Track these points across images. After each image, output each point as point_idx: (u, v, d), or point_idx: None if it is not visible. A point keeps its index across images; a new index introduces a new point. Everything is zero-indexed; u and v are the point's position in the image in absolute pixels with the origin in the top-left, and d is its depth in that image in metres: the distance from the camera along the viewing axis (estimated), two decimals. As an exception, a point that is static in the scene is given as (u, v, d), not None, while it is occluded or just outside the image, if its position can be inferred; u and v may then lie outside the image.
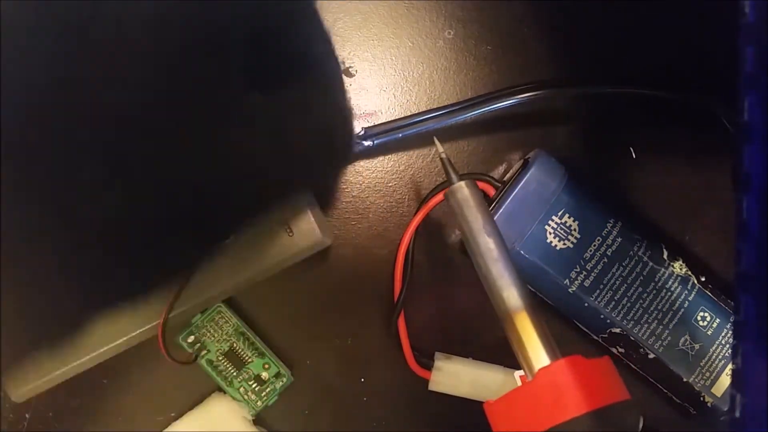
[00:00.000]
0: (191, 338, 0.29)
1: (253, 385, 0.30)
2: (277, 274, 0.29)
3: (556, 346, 0.22)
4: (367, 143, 0.29)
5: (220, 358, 0.30)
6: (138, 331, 0.27)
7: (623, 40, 0.31)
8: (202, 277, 0.27)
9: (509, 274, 0.23)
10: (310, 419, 0.31)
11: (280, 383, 0.30)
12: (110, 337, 0.27)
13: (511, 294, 0.23)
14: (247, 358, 0.30)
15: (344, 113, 0.24)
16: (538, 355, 0.22)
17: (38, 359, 0.27)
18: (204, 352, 0.29)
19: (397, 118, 0.29)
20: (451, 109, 0.29)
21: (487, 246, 0.23)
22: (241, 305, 0.31)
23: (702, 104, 0.28)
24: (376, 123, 0.30)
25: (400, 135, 0.29)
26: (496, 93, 0.29)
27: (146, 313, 0.27)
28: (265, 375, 0.30)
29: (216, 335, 0.30)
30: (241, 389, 0.30)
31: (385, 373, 0.31)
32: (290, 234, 0.27)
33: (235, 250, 0.27)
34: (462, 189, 0.24)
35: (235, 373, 0.30)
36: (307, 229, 0.27)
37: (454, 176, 0.25)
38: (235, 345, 0.30)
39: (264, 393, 0.30)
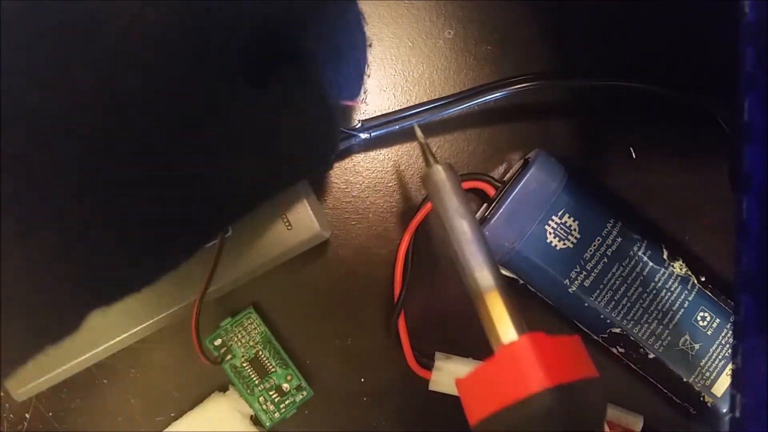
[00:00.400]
0: (218, 341, 0.29)
1: (274, 396, 0.30)
2: (277, 272, 0.29)
3: (525, 325, 0.22)
4: (364, 136, 0.29)
5: (245, 365, 0.30)
6: (138, 328, 0.27)
7: (623, 41, 0.31)
8: (201, 272, 0.27)
9: (482, 255, 0.23)
10: (310, 419, 0.31)
11: (300, 397, 0.30)
12: (111, 334, 0.27)
13: (483, 274, 0.23)
14: (270, 367, 0.30)
15: (331, 107, 0.23)
16: (506, 332, 0.22)
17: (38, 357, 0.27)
18: (229, 356, 0.29)
19: (394, 110, 0.29)
20: (447, 100, 0.29)
21: (462, 228, 0.23)
22: (242, 305, 0.31)
23: (698, 103, 0.28)
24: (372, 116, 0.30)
25: (397, 127, 0.29)
26: (492, 84, 0.29)
27: (144, 309, 0.27)
28: (286, 386, 0.30)
29: (243, 341, 0.30)
30: (261, 398, 0.29)
31: (385, 373, 0.31)
32: (288, 227, 0.27)
33: (233, 244, 0.27)
34: (438, 172, 0.24)
35: (257, 381, 0.30)
36: (305, 222, 0.27)
37: (431, 160, 0.25)
38: (260, 353, 0.30)
39: (283, 405, 0.30)
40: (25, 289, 0.19)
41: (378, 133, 0.29)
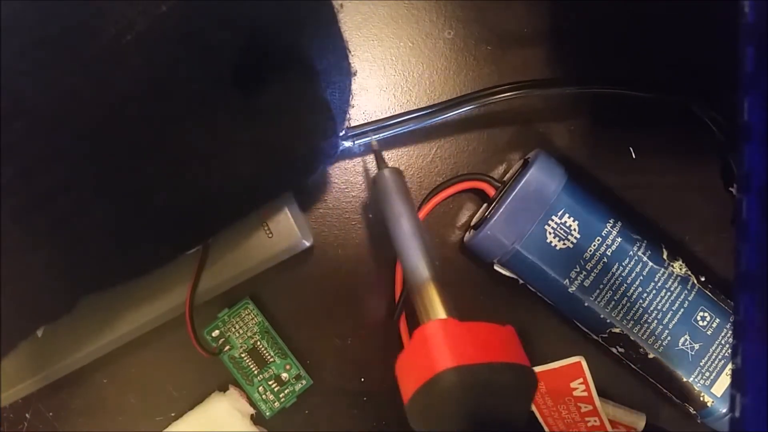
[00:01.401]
0: (216, 332, 0.30)
1: (273, 386, 0.30)
2: (276, 271, 0.29)
3: (456, 313, 0.24)
4: (347, 144, 0.29)
5: (243, 355, 0.30)
6: (120, 333, 0.27)
7: (624, 41, 0.31)
8: (179, 279, 0.27)
9: (420, 251, 0.25)
10: (310, 419, 0.31)
11: (300, 386, 0.30)
12: (90, 340, 0.27)
13: (420, 268, 0.24)
14: (269, 357, 0.30)
15: (322, 115, 0.24)
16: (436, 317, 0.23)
17: (17, 363, 0.27)
18: (227, 348, 0.30)
19: (378, 119, 0.29)
20: (431, 110, 0.28)
21: (402, 227, 0.25)
22: (239, 297, 0.30)
23: (686, 106, 0.28)
24: (357, 124, 0.29)
25: (380, 136, 0.29)
26: (476, 93, 0.29)
27: (121, 317, 0.27)
28: (285, 376, 0.30)
29: (241, 331, 0.30)
30: (261, 388, 0.30)
31: (385, 373, 0.31)
32: (269, 236, 0.27)
33: (214, 251, 0.27)
34: (384, 176, 0.27)
35: (255, 372, 0.30)
36: (286, 231, 0.27)
37: (382, 165, 0.27)
38: (258, 343, 0.30)
39: (282, 394, 0.30)
40: (18, 270, 0.20)
41: (362, 141, 0.29)
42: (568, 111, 0.31)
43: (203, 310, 0.29)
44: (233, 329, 0.30)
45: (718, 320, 0.28)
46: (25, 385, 0.27)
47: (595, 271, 0.27)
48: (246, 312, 0.30)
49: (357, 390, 0.31)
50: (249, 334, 0.30)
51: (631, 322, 0.28)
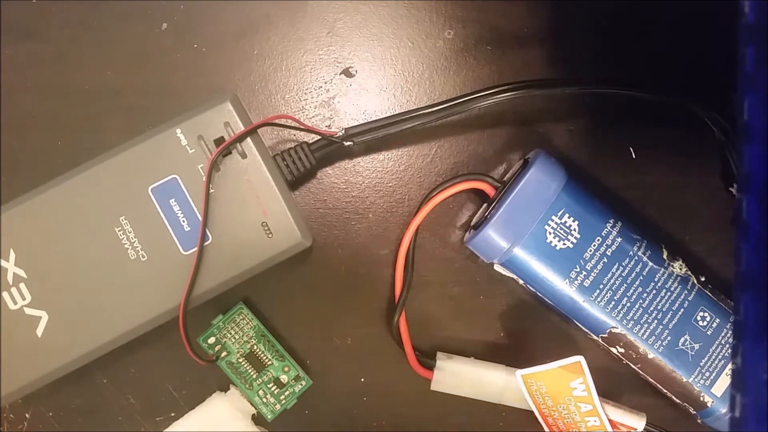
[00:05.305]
0: (212, 339, 0.30)
1: (273, 388, 0.30)
2: (276, 271, 0.29)
3: None
4: (347, 144, 0.28)
5: (240, 360, 0.30)
6: (119, 333, 0.27)
7: (623, 41, 0.31)
8: (179, 278, 0.26)
9: None
10: (310, 419, 0.31)
11: (300, 387, 0.30)
12: (89, 340, 0.27)
13: None
14: (266, 360, 0.30)
15: None
16: None
17: (17, 363, 0.27)
18: (224, 354, 0.30)
19: (378, 119, 0.29)
20: (431, 110, 0.28)
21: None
22: (234, 302, 0.30)
23: (684, 106, 0.28)
24: (357, 123, 0.29)
25: (381, 135, 0.29)
26: (476, 93, 0.28)
27: (124, 315, 0.27)
28: (284, 378, 0.30)
29: (237, 336, 0.30)
30: (261, 392, 0.30)
31: (385, 373, 0.31)
32: (269, 235, 0.27)
33: (214, 251, 0.27)
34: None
35: (254, 376, 0.30)
36: (285, 231, 0.27)
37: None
38: (255, 347, 0.30)
39: (283, 396, 0.30)
40: None
41: (363, 139, 0.29)
42: (568, 111, 0.31)
43: (197, 318, 0.29)
44: (229, 335, 0.30)
45: (718, 320, 0.28)
46: (25, 385, 0.27)
47: (595, 271, 0.27)
48: (240, 317, 0.30)
49: (357, 390, 0.31)
50: (245, 338, 0.30)
51: (631, 322, 0.28)
